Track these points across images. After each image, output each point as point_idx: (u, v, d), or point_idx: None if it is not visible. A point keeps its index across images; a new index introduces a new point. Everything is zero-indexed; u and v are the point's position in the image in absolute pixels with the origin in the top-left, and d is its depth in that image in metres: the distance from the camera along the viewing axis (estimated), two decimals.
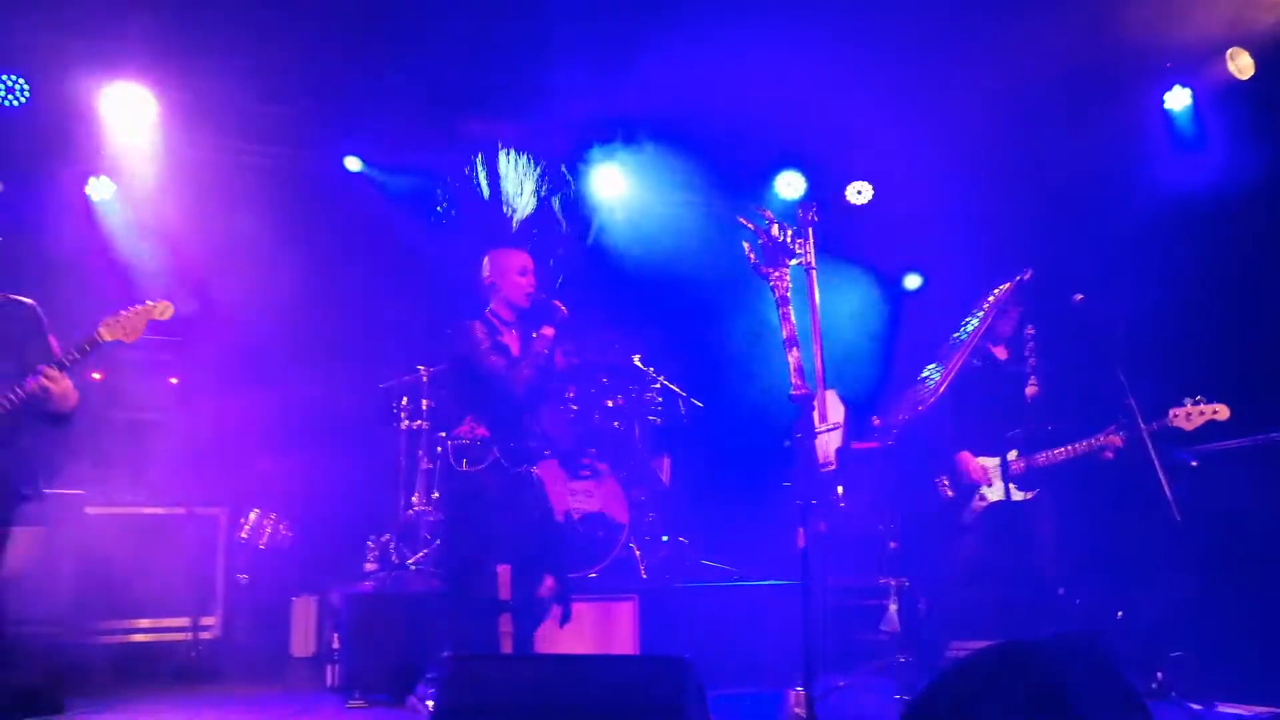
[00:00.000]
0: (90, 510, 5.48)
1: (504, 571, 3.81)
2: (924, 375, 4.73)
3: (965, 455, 4.63)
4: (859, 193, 7.37)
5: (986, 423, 4.64)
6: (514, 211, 5.86)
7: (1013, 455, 4.54)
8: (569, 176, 6.41)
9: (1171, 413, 4.37)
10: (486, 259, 4.55)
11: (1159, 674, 4.40)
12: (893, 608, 4.20)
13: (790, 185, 7.41)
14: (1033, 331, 4.50)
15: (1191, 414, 4.34)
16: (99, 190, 6.47)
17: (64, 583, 4.99)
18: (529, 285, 4.46)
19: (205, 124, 6.42)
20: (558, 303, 4.46)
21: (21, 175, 5.67)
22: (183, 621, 5.79)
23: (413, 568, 5.70)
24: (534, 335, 4.42)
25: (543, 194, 6.04)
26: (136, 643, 5.64)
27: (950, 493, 4.60)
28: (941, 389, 4.29)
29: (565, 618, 4.42)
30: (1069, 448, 4.51)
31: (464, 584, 4.19)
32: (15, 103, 5.99)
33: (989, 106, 6.13)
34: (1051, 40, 5.50)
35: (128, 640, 5.62)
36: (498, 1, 5.80)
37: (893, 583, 4.21)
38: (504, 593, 3.82)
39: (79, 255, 6.14)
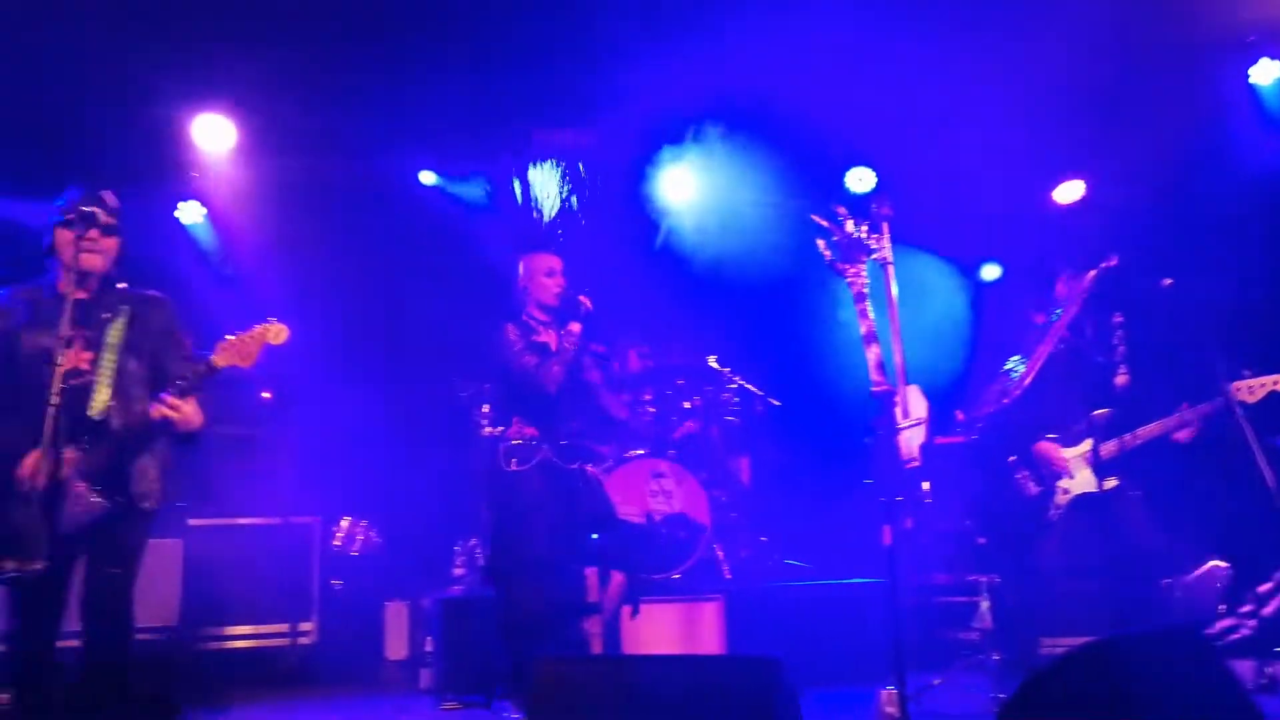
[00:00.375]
0: (193, 522, 5.71)
1: (591, 574, 3.85)
2: (1008, 367, 4.65)
3: (1045, 445, 4.52)
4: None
5: (1072, 414, 4.52)
6: (541, 214, 5.91)
7: (1088, 445, 4.43)
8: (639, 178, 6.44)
9: (1234, 386, 4.22)
10: (520, 263, 4.70)
11: (1268, 668, 4.25)
12: (984, 605, 4.13)
13: (861, 180, 7.34)
14: (1121, 319, 4.38)
15: (1254, 387, 4.20)
16: (189, 214, 6.74)
17: (173, 592, 5.19)
18: (557, 285, 4.55)
19: (284, 144, 6.60)
20: (583, 298, 4.52)
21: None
22: (282, 627, 6.00)
23: None
24: (561, 332, 4.51)
25: (565, 195, 6.08)
26: (239, 649, 5.85)
27: (1034, 487, 4.50)
28: (1027, 381, 4.20)
29: (634, 613, 4.49)
30: (1148, 428, 4.36)
31: (515, 584, 4.24)
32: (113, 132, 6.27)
33: (1067, 88, 5.98)
34: (1130, 16, 5.36)
35: (231, 646, 5.83)
36: (560, 5, 5.86)
37: (983, 580, 4.14)
38: (591, 595, 3.86)
39: (171, 276, 6.40)
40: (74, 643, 4.30)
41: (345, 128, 6.77)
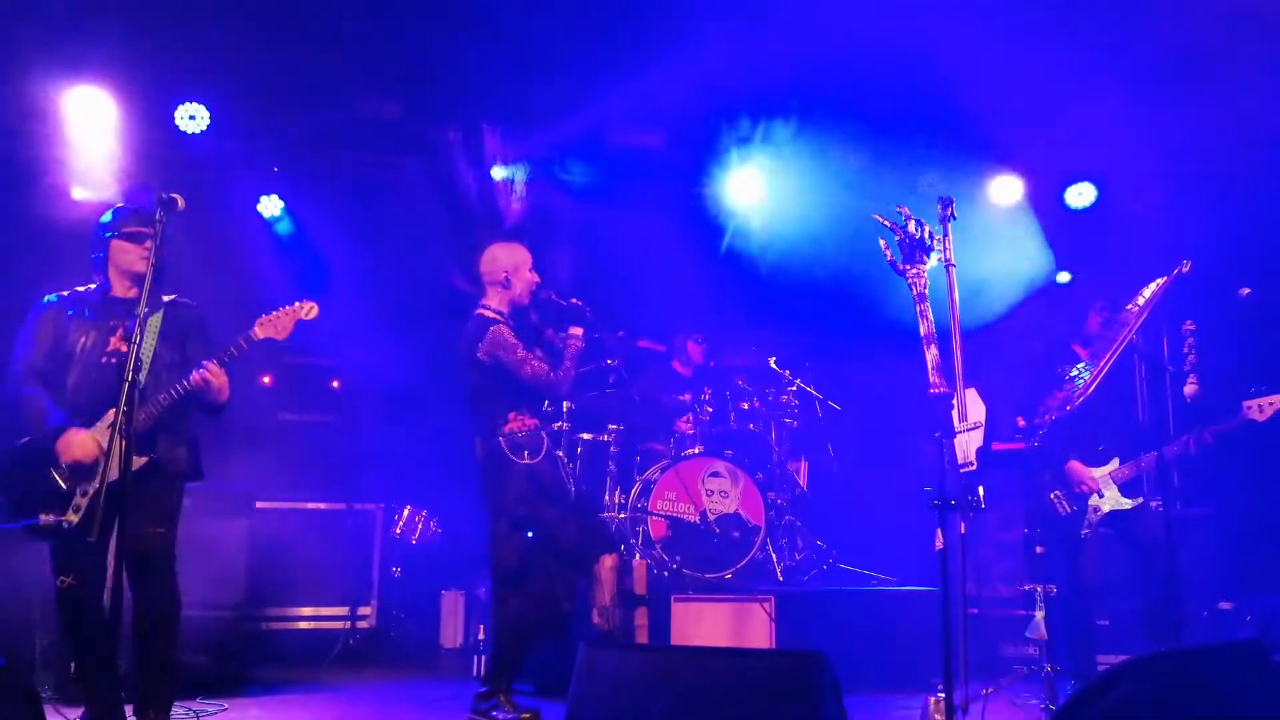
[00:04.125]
0: (260, 504, 5.86)
1: (639, 566, 3.87)
2: (1074, 373, 4.55)
3: (1074, 465, 4.43)
4: (1008, 191, 7.14)
5: (1136, 426, 4.41)
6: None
7: (1114, 464, 4.36)
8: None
9: (1245, 405, 4.26)
10: (499, 252, 4.57)
11: None
12: (1039, 615, 4.04)
13: (930, 185, 7.24)
14: (1193, 327, 4.26)
15: (1263, 405, 4.24)
16: (269, 207, 6.95)
17: (237, 572, 5.34)
18: (536, 281, 4.55)
19: (352, 138, 6.77)
20: (576, 301, 4.55)
21: (199, 195, 6.14)
22: (342, 611, 6.15)
23: None
24: (565, 335, 4.53)
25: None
26: (300, 629, 6.01)
27: (1068, 507, 4.41)
28: (1090, 389, 4.11)
29: None
30: (1170, 447, 4.28)
31: (529, 574, 4.29)
32: (198, 130, 6.51)
33: (1136, 89, 5.83)
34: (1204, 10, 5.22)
35: (292, 627, 5.99)
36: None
37: (1039, 589, 4.05)
38: (639, 587, 3.88)
39: (253, 266, 6.63)
40: None
41: (416, 125, 6.92)
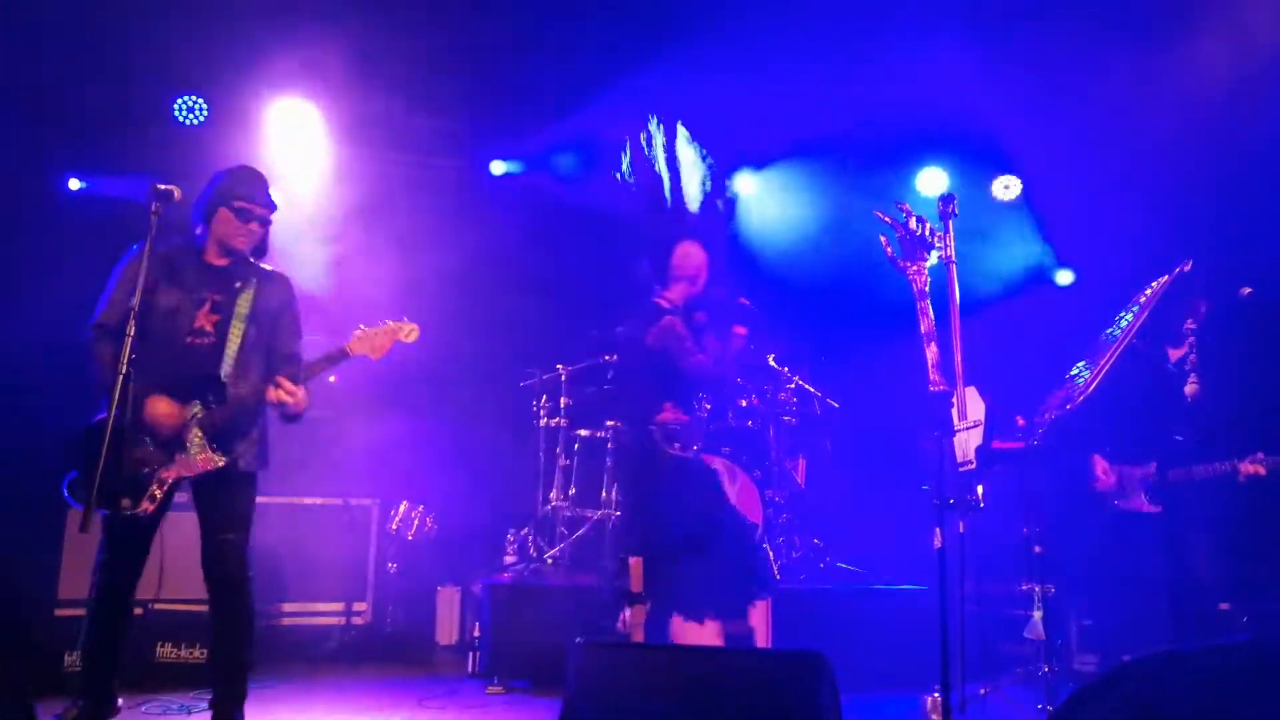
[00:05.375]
0: (255, 500, 5.84)
1: (635, 564, 3.85)
2: (1073, 373, 4.52)
3: (1097, 459, 4.41)
4: (1006, 188, 7.11)
5: (1138, 425, 4.39)
6: (686, 201, 5.89)
7: (1151, 469, 4.33)
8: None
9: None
10: (692, 249, 4.57)
11: None
12: (1037, 615, 4.02)
13: (932, 182, 7.23)
14: (1193, 325, 4.24)
15: None
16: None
17: None
18: (704, 277, 4.52)
19: (360, 135, 6.74)
20: (744, 300, 4.52)
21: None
22: (337, 606, 6.12)
23: (550, 561, 5.84)
24: (728, 334, 4.50)
25: (707, 187, 6.06)
26: (295, 625, 5.99)
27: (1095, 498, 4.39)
28: (1091, 387, 4.09)
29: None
30: (1215, 465, 4.23)
31: (672, 569, 4.20)
32: (195, 121, 6.48)
33: (1142, 87, 5.81)
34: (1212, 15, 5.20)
35: (287, 623, 5.97)
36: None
37: (1037, 589, 4.04)
38: (635, 585, 3.86)
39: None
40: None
41: (422, 121, 6.91)
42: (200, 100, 6.47)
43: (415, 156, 7.00)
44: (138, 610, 4.93)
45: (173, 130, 6.47)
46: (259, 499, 5.78)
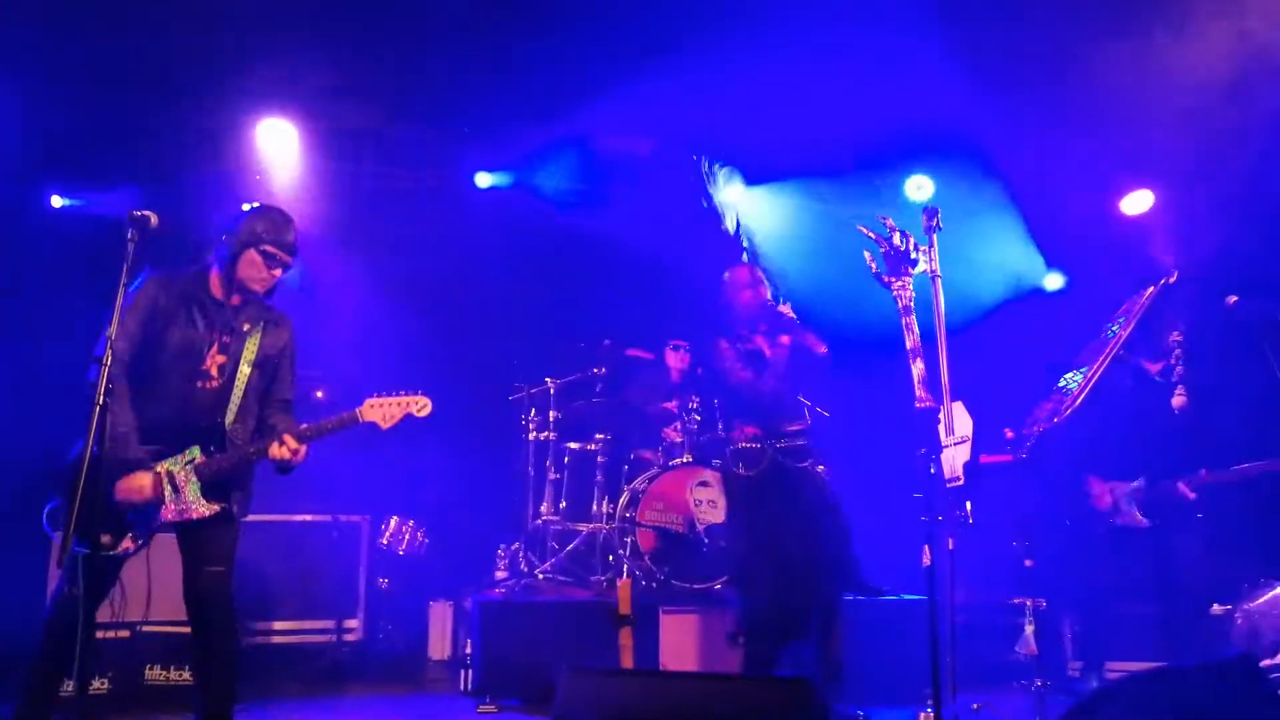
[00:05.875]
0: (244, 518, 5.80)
1: (624, 586, 3.83)
2: (1062, 384, 4.52)
3: (1092, 481, 4.41)
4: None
5: (1125, 438, 4.39)
6: (727, 225, 5.93)
7: (1138, 484, 4.32)
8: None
9: None
10: (724, 276, 4.71)
11: None
12: (1029, 629, 4.02)
13: (920, 189, 7.21)
14: (1179, 337, 4.23)
15: None
16: None
17: None
18: (757, 296, 4.55)
19: (343, 149, 6.72)
20: (784, 308, 4.52)
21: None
22: (328, 624, 6.08)
23: (541, 577, 5.82)
24: (772, 342, 4.51)
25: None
26: (285, 644, 5.95)
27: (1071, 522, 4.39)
28: (1078, 400, 4.08)
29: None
30: (1217, 474, 4.23)
31: (756, 586, 4.27)
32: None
33: (1133, 92, 5.80)
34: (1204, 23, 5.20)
35: (277, 641, 5.93)
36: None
37: (1028, 603, 4.03)
38: (624, 607, 3.84)
39: None
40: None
41: (404, 133, 6.88)
42: None
43: (398, 169, 6.97)
44: (125, 633, 4.91)
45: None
46: (247, 516, 5.84)
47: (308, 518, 6.19)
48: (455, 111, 6.62)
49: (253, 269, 3.59)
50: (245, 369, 3.58)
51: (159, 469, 3.47)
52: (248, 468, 3.65)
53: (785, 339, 4.43)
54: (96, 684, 4.68)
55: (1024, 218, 6.86)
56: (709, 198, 4.74)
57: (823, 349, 4.43)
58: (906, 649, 4.92)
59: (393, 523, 6.42)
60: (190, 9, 5.54)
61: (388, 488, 6.55)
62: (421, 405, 3.80)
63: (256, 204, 3.78)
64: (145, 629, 5.16)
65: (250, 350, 3.61)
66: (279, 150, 6.66)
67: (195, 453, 3.50)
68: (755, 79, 5.86)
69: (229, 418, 3.55)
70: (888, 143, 6.53)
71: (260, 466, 5.47)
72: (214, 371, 3.56)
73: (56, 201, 6.52)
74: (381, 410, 3.72)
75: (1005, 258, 6.82)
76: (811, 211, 6.95)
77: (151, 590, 5.21)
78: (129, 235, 3.33)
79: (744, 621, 4.37)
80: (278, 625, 5.97)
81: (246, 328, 3.63)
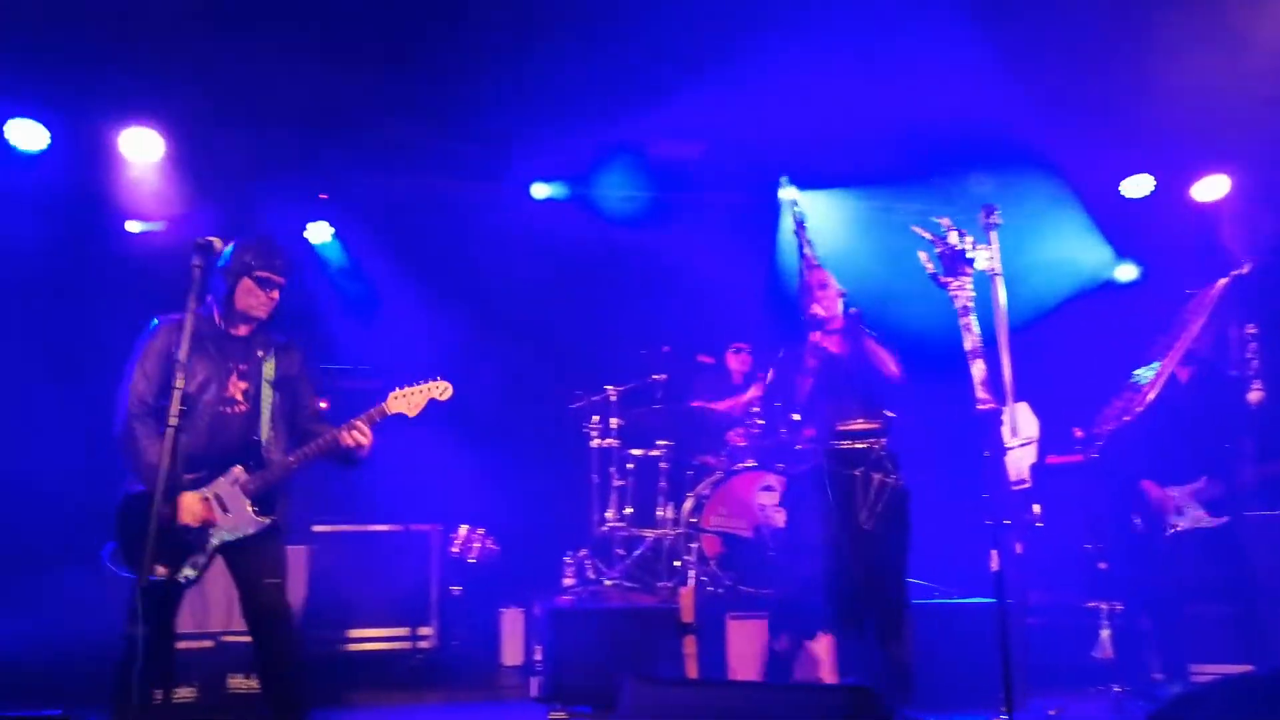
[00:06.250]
0: (317, 528, 5.97)
1: (686, 594, 3.83)
2: (1134, 379, 4.39)
3: (1148, 485, 4.27)
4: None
5: (1189, 437, 4.24)
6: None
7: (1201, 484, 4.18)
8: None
9: None
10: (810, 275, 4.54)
11: None
12: (1105, 633, 3.91)
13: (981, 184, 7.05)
14: (1255, 330, 4.08)
15: None
16: (316, 234, 7.07)
17: (296, 595, 5.43)
18: (826, 299, 4.44)
19: (398, 163, 6.84)
20: (816, 309, 4.40)
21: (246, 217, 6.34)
22: (403, 631, 6.20)
23: (608, 584, 5.85)
24: (835, 348, 4.43)
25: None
26: (361, 651, 6.09)
27: (1143, 527, 4.24)
28: (1148, 397, 3.96)
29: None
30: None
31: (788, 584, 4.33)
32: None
33: (1208, 76, 5.61)
34: None
35: (354, 649, 6.07)
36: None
37: (1104, 606, 3.92)
38: (686, 615, 3.84)
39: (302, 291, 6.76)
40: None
41: (461, 147, 6.98)
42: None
43: (454, 182, 7.06)
44: (208, 643, 5.09)
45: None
46: (322, 527, 6.01)
47: (380, 528, 6.33)
48: (509, 123, 6.69)
49: (251, 297, 3.72)
50: (267, 389, 3.75)
51: (206, 493, 3.61)
52: (288, 478, 3.78)
53: (815, 336, 4.35)
54: (184, 693, 4.83)
55: (1089, 209, 6.67)
56: (778, 203, 4.70)
57: (896, 371, 4.32)
58: (978, 654, 4.82)
59: (463, 531, 6.52)
60: (270, 30, 5.69)
61: (456, 497, 6.65)
62: (442, 389, 3.92)
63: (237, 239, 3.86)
64: (227, 639, 5.34)
65: (269, 371, 3.78)
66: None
67: (239, 472, 3.65)
68: (809, 82, 5.80)
69: (263, 435, 3.71)
70: (944, 142, 6.42)
71: (331, 479, 5.64)
72: (239, 396, 3.72)
73: (133, 227, 6.75)
74: (406, 400, 3.86)
75: (1072, 252, 6.64)
76: (870, 215, 6.87)
77: (232, 602, 5.46)
78: (194, 262, 3.46)
79: (771, 614, 4.31)
80: (354, 633, 6.11)
81: (260, 353, 3.80)
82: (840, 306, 4.47)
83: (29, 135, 6.15)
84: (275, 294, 3.78)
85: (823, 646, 4.37)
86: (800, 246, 4.44)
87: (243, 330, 3.79)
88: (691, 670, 3.97)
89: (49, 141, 6.19)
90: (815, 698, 2.93)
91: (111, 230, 6.62)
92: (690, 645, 3.90)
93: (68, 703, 2.71)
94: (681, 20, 5.78)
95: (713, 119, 6.37)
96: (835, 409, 4.31)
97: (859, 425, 4.32)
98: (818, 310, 4.34)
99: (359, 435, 3.72)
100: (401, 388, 3.88)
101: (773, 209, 6.84)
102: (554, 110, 6.58)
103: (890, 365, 4.33)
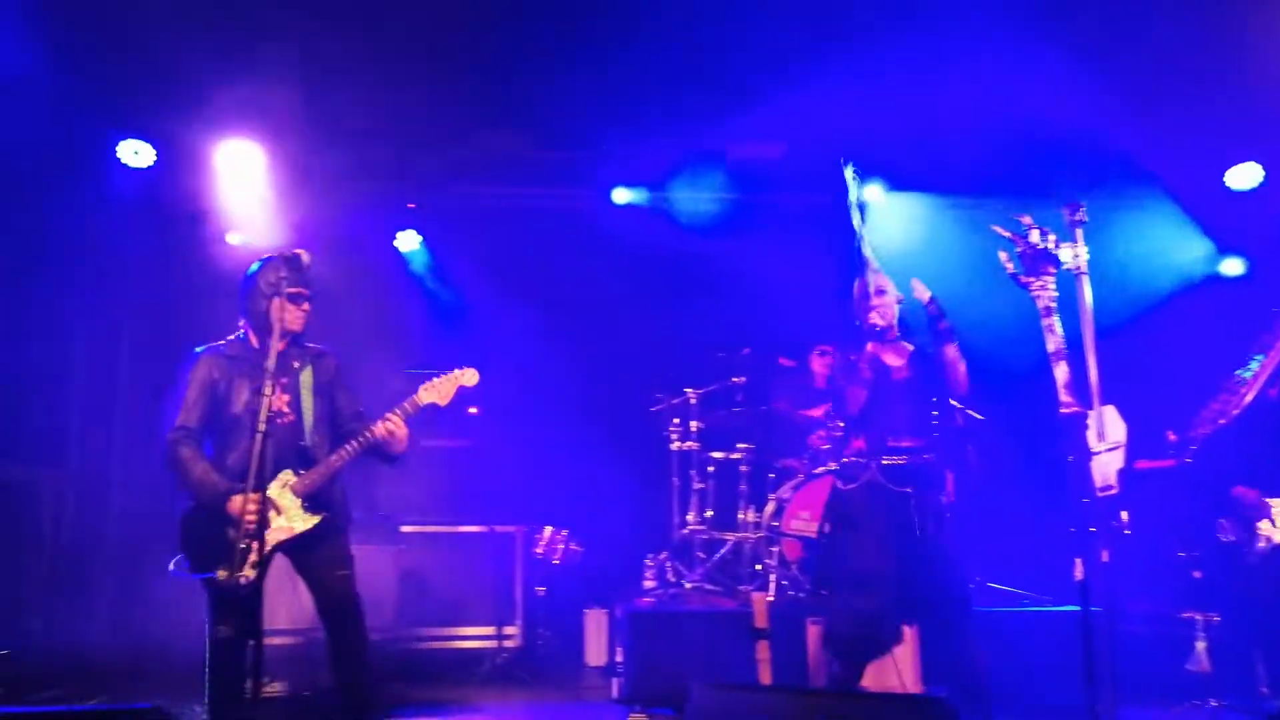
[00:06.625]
0: (404, 529, 6.13)
1: (759, 599, 3.81)
2: (1238, 374, 4.17)
3: (1242, 491, 4.03)
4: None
5: None
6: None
7: None
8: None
9: None
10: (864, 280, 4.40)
11: None
12: (1200, 645, 3.74)
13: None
14: None
15: None
16: (405, 242, 7.27)
17: (384, 593, 5.60)
18: (879, 306, 4.27)
19: (487, 173, 6.98)
20: (875, 317, 4.26)
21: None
22: (488, 630, 6.33)
23: (688, 586, 5.86)
24: (853, 356, 4.31)
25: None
26: (447, 649, 6.23)
27: (1232, 535, 4.01)
28: (1248, 398, 3.77)
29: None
30: None
31: (837, 599, 4.19)
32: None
33: None
34: None
35: (440, 646, 6.22)
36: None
37: (1199, 617, 3.74)
38: (760, 620, 3.82)
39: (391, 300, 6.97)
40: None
41: (546, 155, 7.08)
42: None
43: (539, 188, 7.16)
44: (298, 639, 5.27)
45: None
46: (409, 528, 6.18)
47: (465, 528, 6.48)
48: (591, 128, 6.75)
49: (285, 313, 3.83)
50: (308, 396, 3.92)
51: (259, 497, 3.71)
52: (338, 477, 3.93)
53: (870, 347, 4.21)
54: (274, 688, 5.03)
55: (1189, 203, 6.38)
56: (846, 202, 4.57)
57: (965, 387, 4.16)
58: (1063, 664, 4.67)
59: (547, 532, 6.61)
60: (362, 44, 5.88)
61: (538, 499, 6.75)
62: (469, 376, 4.04)
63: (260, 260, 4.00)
64: (317, 635, 5.53)
65: (307, 379, 3.94)
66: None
67: (288, 475, 3.82)
68: (892, 82, 5.71)
69: (309, 440, 3.88)
70: (1033, 140, 6.23)
71: (419, 482, 5.77)
72: (284, 408, 3.87)
73: (233, 239, 7.05)
74: (436, 390, 3.99)
75: (1170, 247, 6.36)
76: (955, 217, 6.72)
77: None
78: (279, 273, 3.62)
79: (825, 639, 4.22)
80: (440, 631, 6.27)
81: (297, 365, 3.96)
82: (896, 314, 4.30)
83: (137, 153, 6.51)
84: (307, 306, 3.94)
85: (903, 652, 4.28)
86: (859, 248, 4.33)
87: (281, 345, 3.87)
88: (765, 676, 3.94)
89: (155, 158, 6.53)
90: (885, 706, 2.88)
91: (214, 243, 6.92)
92: (764, 650, 3.86)
93: (161, 697, 2.84)
94: (761, 23, 5.76)
95: (793, 120, 6.31)
96: (888, 424, 4.15)
97: (912, 442, 4.16)
98: (876, 320, 4.20)
99: (391, 428, 3.84)
100: (432, 379, 4.00)
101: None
102: (636, 115, 6.62)
103: (961, 381, 4.16)
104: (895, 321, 4.30)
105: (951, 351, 4.17)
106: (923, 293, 4.21)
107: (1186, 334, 6.07)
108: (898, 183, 6.87)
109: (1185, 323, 6.26)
